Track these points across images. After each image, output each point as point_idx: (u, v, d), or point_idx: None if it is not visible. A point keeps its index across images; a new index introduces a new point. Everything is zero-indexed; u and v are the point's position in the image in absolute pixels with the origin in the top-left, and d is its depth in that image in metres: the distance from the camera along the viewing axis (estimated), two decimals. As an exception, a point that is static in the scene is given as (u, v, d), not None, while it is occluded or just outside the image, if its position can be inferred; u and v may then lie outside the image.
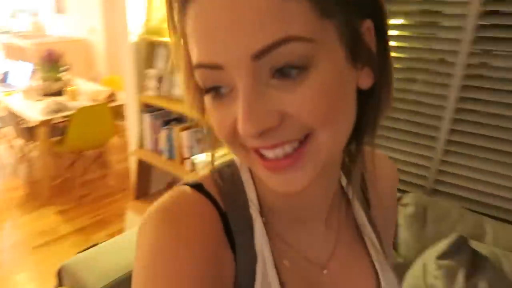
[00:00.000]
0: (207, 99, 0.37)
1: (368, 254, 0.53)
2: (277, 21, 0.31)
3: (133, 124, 2.60)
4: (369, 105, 0.42)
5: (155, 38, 2.31)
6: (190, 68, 0.38)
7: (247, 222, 0.45)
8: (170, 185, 2.56)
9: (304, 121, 0.35)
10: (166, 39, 2.22)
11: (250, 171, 0.48)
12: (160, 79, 2.40)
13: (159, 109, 2.47)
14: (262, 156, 0.37)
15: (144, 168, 2.63)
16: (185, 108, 0.43)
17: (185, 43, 0.38)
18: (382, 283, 0.51)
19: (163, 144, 2.38)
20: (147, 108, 2.48)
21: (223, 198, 0.45)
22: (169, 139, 2.33)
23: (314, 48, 0.33)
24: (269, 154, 0.36)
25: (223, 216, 0.44)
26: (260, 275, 0.43)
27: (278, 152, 0.36)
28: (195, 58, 0.35)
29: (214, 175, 0.47)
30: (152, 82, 2.40)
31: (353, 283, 0.50)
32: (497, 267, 1.22)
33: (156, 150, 2.45)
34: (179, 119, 2.46)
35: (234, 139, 0.37)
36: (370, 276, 0.51)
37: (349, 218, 0.54)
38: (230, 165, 0.49)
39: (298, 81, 0.33)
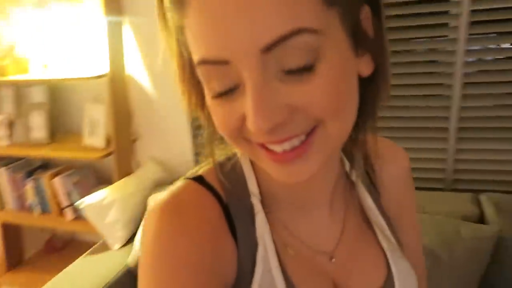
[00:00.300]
0: (209, 95, 0.36)
1: (377, 240, 0.52)
2: (286, 12, 0.30)
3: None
4: (368, 92, 0.42)
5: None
6: (188, 64, 0.39)
7: (248, 211, 0.46)
8: (49, 243, 2.20)
9: (313, 114, 0.34)
10: (12, 77, 1.91)
11: (251, 162, 0.49)
12: (10, 125, 2.04)
13: (17, 159, 2.10)
14: (268, 150, 0.37)
15: (10, 232, 2.19)
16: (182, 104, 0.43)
17: (181, 38, 0.37)
18: (393, 269, 0.50)
19: (31, 198, 2.02)
20: (0, 161, 2.08)
21: (224, 189, 0.46)
22: (39, 190, 1.99)
23: (321, 39, 0.32)
24: (277, 148, 0.36)
25: (224, 206, 0.45)
26: (261, 262, 0.44)
27: (286, 145, 0.36)
28: (197, 54, 0.34)
29: (215, 167, 0.48)
30: (1, 130, 2.03)
31: (362, 270, 0.50)
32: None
33: (23, 207, 2.08)
34: (45, 165, 2.13)
35: (238, 135, 0.37)
36: (379, 262, 0.50)
37: (355, 204, 0.54)
38: (231, 157, 0.49)
39: (306, 74, 0.33)
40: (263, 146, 0.37)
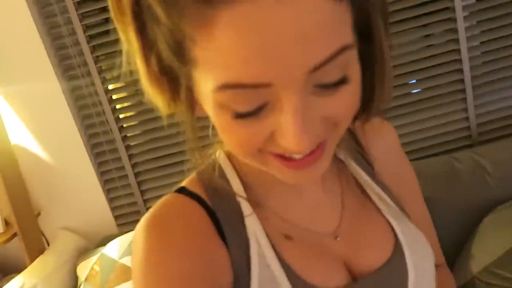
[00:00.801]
0: (227, 115, 0.33)
1: (379, 210, 0.52)
2: (334, 32, 0.30)
3: None
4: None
5: None
6: (156, 62, 0.35)
7: (235, 211, 0.46)
8: None
9: (339, 120, 0.35)
10: None
11: (230, 160, 0.49)
12: None
13: None
14: (285, 159, 0.36)
15: None
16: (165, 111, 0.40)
17: (161, 38, 0.33)
18: (400, 236, 0.50)
19: None
20: None
21: (209, 194, 0.46)
22: None
23: (353, 52, 0.32)
24: (297, 155, 0.36)
25: (211, 212, 0.45)
26: (256, 258, 0.43)
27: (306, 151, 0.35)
28: (227, 77, 0.30)
29: (198, 175, 0.49)
30: None
31: (369, 243, 0.49)
32: None
33: None
34: None
35: (258, 152, 0.36)
36: (385, 232, 0.50)
37: (350, 181, 0.54)
38: (213, 162, 0.49)
39: (341, 86, 0.33)
40: (281, 156, 0.36)
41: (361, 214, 0.52)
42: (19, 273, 1.50)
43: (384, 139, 0.58)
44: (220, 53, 0.29)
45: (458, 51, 1.61)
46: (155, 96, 0.39)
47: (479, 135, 1.73)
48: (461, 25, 1.57)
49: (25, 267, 1.54)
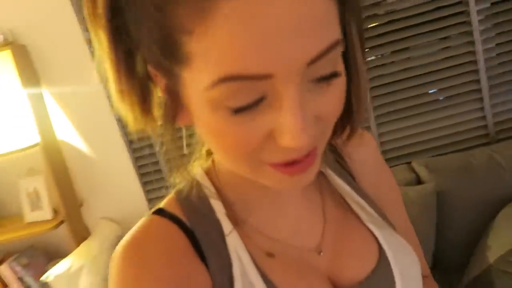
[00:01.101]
0: (222, 113, 0.32)
1: (361, 220, 0.51)
2: (329, 25, 0.30)
3: None
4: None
5: None
6: (125, 62, 0.34)
7: (215, 230, 0.44)
8: None
9: (330, 121, 0.35)
10: None
11: (209, 178, 0.47)
12: None
13: None
14: (280, 165, 0.35)
15: None
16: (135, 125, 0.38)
17: (145, 47, 0.32)
18: (384, 246, 0.48)
19: (-26, 298, 1.81)
20: None
21: (187, 214, 0.44)
22: (-18, 287, 1.79)
23: (341, 49, 0.33)
24: (294, 156, 0.35)
25: (189, 232, 0.43)
26: (239, 278, 0.42)
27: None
28: (226, 69, 0.29)
29: (176, 194, 0.46)
30: None
31: (353, 256, 0.48)
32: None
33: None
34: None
35: (255, 154, 0.34)
36: (369, 243, 0.49)
37: (330, 192, 0.53)
38: (191, 181, 0.47)
39: (334, 80, 0.33)
40: (276, 165, 0.35)
41: (343, 225, 0.51)
42: (64, 258, 1.66)
43: (364, 149, 0.57)
44: (219, 45, 0.28)
45: (473, 53, 1.70)
46: (125, 108, 0.37)
47: (497, 133, 1.81)
48: (476, 28, 1.66)
49: (69, 253, 1.70)
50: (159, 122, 0.38)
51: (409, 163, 1.72)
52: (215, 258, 0.42)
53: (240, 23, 0.28)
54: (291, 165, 0.35)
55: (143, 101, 0.36)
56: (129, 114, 0.37)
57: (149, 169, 1.86)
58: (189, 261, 0.41)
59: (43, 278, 1.57)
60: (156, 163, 1.85)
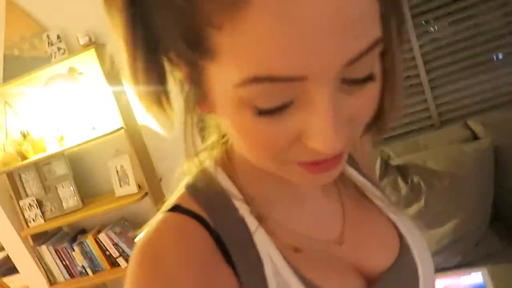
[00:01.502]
0: (250, 112, 0.30)
1: (378, 208, 0.50)
2: (371, 23, 0.28)
3: (28, 267, 2.25)
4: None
5: (14, 166, 2.11)
6: (143, 50, 0.32)
7: (241, 228, 0.40)
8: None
9: (361, 123, 0.33)
10: (28, 161, 2.06)
11: (225, 172, 0.43)
12: (39, 204, 2.18)
13: (55, 232, 2.22)
14: (309, 164, 0.34)
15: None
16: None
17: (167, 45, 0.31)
18: (403, 231, 0.48)
19: (80, 263, 2.14)
20: (40, 240, 2.20)
21: (207, 211, 0.40)
22: (86, 252, 2.11)
23: (380, 47, 0.29)
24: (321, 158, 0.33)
25: (212, 231, 0.39)
26: (272, 277, 0.38)
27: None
28: (256, 69, 0.27)
29: (189, 190, 0.42)
30: (32, 212, 2.16)
31: (375, 243, 0.47)
32: (419, 165, 1.61)
33: (73, 275, 2.18)
34: (82, 231, 2.26)
35: (281, 153, 0.32)
36: (389, 230, 0.49)
37: (343, 180, 0.52)
38: (202, 174, 0.43)
39: (369, 82, 0.31)
40: (303, 164, 0.34)
41: (362, 215, 0.49)
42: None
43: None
44: (251, 43, 0.26)
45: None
46: (140, 95, 0.35)
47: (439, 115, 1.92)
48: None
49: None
50: (176, 109, 0.36)
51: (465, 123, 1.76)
52: (243, 259, 0.39)
53: (277, 19, 0.25)
54: (318, 164, 0.33)
55: (160, 85, 0.34)
56: (143, 99, 0.35)
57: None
58: (214, 263, 0.37)
59: (136, 239, 1.83)
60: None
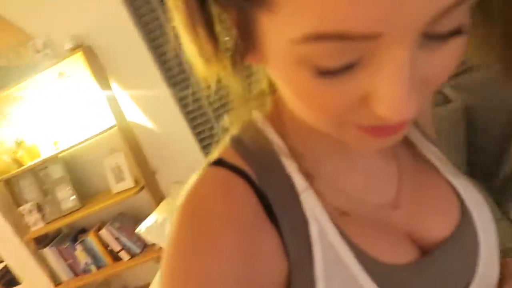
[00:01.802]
0: (310, 72, 0.27)
1: (438, 170, 0.45)
2: None
3: (32, 273, 2.30)
4: None
5: (10, 173, 2.16)
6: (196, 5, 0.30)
7: (287, 187, 0.38)
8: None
9: (437, 85, 0.28)
10: (24, 167, 2.12)
11: (273, 127, 0.41)
12: (39, 208, 2.23)
13: (57, 235, 2.28)
14: (372, 128, 0.30)
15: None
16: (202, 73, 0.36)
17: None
18: (464, 198, 0.44)
19: (84, 260, 2.20)
20: (42, 243, 2.25)
21: (253, 167, 0.38)
22: (89, 249, 2.18)
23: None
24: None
25: (258, 190, 0.37)
26: (317, 239, 0.37)
27: None
28: (322, 24, 0.23)
29: (234, 143, 0.40)
30: (33, 216, 2.22)
31: (433, 209, 0.43)
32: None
33: (77, 274, 2.24)
34: (82, 230, 2.33)
35: (342, 115, 0.29)
36: (450, 194, 0.44)
37: (403, 139, 0.47)
38: (248, 127, 0.41)
39: (448, 40, 0.26)
40: (364, 128, 0.30)
41: (420, 177, 0.45)
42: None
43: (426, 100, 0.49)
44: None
45: None
46: (192, 46, 0.33)
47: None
48: None
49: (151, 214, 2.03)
50: (225, 60, 0.34)
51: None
52: (288, 219, 0.37)
53: None
54: (381, 129, 0.30)
55: (209, 32, 0.32)
56: (196, 52, 0.34)
57: (206, 134, 2.16)
58: (258, 222, 0.36)
59: (137, 230, 1.91)
60: (211, 128, 2.14)
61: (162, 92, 2.11)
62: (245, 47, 0.32)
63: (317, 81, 0.27)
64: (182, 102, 2.13)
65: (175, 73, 2.08)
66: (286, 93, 0.33)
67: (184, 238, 0.34)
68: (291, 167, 0.39)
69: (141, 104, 2.16)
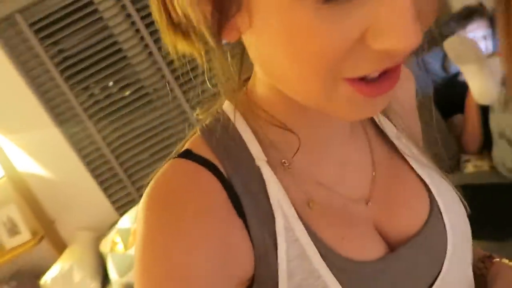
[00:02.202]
0: (308, 9, 0.26)
1: (410, 166, 0.46)
2: None
3: None
4: None
5: None
6: None
7: (255, 178, 0.38)
8: None
9: (425, 24, 0.28)
10: None
11: (244, 116, 0.41)
12: None
13: None
14: (362, 83, 0.29)
15: None
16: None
17: None
18: (435, 194, 0.44)
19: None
20: None
21: (221, 159, 0.38)
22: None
23: None
24: (374, 75, 0.29)
25: (225, 181, 0.37)
26: (282, 232, 0.36)
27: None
28: None
29: (203, 134, 0.40)
30: None
31: (403, 205, 0.43)
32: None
33: None
34: None
35: (337, 65, 0.28)
36: (420, 190, 0.44)
37: (376, 133, 0.47)
38: (219, 118, 0.41)
39: None
40: (355, 82, 0.29)
41: (393, 172, 0.45)
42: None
43: (403, 89, 0.50)
44: None
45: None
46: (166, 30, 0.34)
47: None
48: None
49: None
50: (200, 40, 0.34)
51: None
52: (255, 212, 0.37)
53: None
54: (371, 84, 0.29)
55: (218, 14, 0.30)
56: (165, 31, 0.34)
57: (106, 175, 2.15)
58: (227, 215, 0.36)
59: (42, 282, 1.81)
60: (112, 168, 2.14)
61: (50, 132, 2.06)
62: (227, 12, 0.30)
63: (317, 15, 0.26)
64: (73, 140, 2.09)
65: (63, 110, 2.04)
66: (273, 53, 0.30)
67: (154, 234, 0.34)
68: (259, 158, 0.39)
69: (30, 150, 2.07)
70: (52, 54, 1.97)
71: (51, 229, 2.10)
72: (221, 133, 0.39)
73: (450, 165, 1.71)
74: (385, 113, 0.48)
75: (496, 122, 1.48)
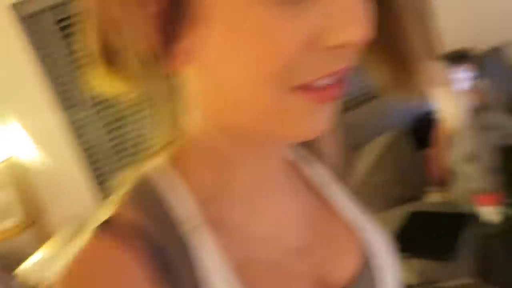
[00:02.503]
0: (264, 9, 0.26)
1: (340, 212, 0.46)
2: None
3: None
4: None
5: None
6: None
7: (185, 242, 0.35)
8: None
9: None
10: None
11: (182, 170, 0.37)
12: None
13: None
14: (309, 91, 0.29)
15: None
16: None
17: None
18: (367, 237, 0.45)
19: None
20: None
21: (149, 222, 0.34)
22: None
23: None
24: (324, 81, 0.29)
25: (152, 247, 0.33)
26: None
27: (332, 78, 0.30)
28: None
29: (132, 194, 0.36)
30: None
31: (337, 252, 0.44)
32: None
33: None
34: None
35: (291, 70, 0.28)
36: (354, 238, 0.45)
37: (305, 182, 0.47)
38: (148, 176, 0.37)
39: None
40: (308, 89, 0.29)
41: (323, 220, 0.45)
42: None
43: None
44: None
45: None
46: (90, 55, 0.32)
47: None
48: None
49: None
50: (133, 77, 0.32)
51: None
52: (187, 278, 0.34)
53: None
54: (322, 90, 0.30)
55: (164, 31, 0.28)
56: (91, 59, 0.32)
57: (102, 170, 2.22)
58: None
59: (21, 268, 1.82)
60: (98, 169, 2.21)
61: (52, 117, 2.12)
62: (178, 27, 0.28)
63: (273, 14, 0.26)
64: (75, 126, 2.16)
65: (69, 95, 2.12)
66: (227, 76, 0.30)
67: None
68: (192, 221, 0.36)
69: (30, 134, 2.15)
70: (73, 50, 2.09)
71: (39, 218, 2.14)
72: (149, 194, 0.36)
73: (412, 194, 1.86)
74: (310, 162, 0.48)
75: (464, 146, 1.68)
